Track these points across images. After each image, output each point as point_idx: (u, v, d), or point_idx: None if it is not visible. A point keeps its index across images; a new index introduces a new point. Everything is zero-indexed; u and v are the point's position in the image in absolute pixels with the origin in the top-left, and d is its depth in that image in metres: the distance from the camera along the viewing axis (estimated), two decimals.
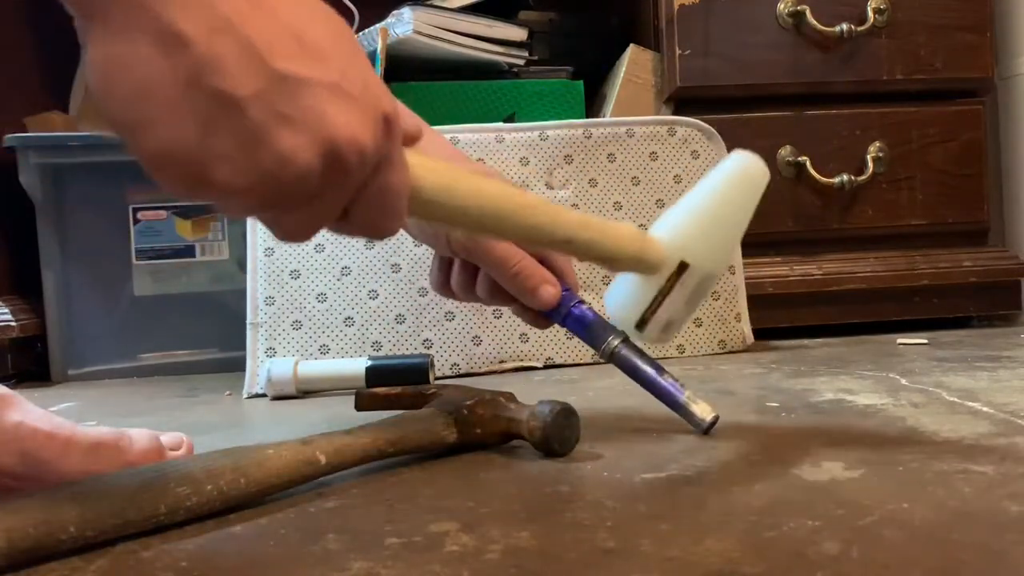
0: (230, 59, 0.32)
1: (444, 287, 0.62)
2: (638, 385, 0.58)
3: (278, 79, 0.33)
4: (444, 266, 0.61)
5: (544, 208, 0.48)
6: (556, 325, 0.60)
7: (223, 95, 0.32)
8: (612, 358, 0.58)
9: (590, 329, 0.58)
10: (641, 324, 0.55)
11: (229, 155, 0.33)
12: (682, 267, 0.53)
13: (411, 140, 0.42)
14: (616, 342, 0.57)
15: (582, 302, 0.59)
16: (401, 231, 0.46)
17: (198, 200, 0.35)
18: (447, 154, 0.58)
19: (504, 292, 0.59)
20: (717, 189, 0.54)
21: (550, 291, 0.57)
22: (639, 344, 0.58)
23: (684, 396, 0.56)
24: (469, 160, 0.64)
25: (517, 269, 0.57)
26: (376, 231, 0.40)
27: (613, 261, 0.52)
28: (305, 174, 0.34)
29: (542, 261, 0.58)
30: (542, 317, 0.59)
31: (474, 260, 0.58)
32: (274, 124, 0.33)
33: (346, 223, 0.39)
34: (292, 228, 0.37)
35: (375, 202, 0.39)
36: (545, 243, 0.50)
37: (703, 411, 0.55)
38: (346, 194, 0.37)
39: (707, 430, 0.55)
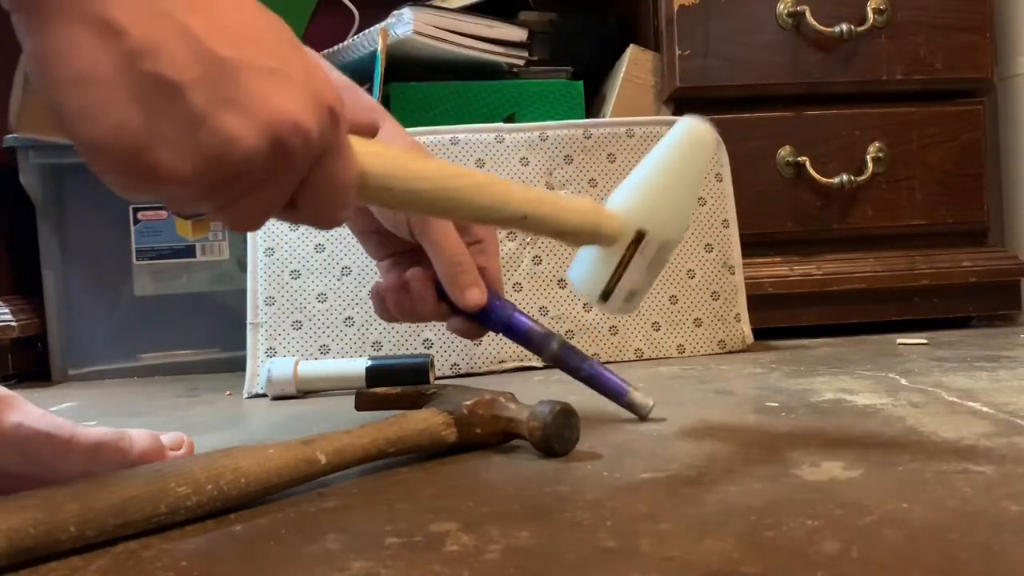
0: (169, 45, 0.32)
1: (384, 311, 0.61)
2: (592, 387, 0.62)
3: (218, 62, 0.33)
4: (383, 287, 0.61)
5: (497, 186, 0.48)
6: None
7: (163, 80, 0.32)
8: (556, 361, 0.61)
9: (530, 336, 0.60)
10: (605, 296, 0.55)
11: (173, 140, 0.32)
12: (639, 236, 0.53)
13: (366, 132, 0.42)
14: (556, 345, 0.60)
15: (516, 309, 0.60)
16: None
17: (142, 194, 0.34)
18: (405, 145, 0.57)
19: (436, 305, 0.59)
20: (665, 157, 0.55)
21: (476, 295, 0.58)
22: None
23: (628, 388, 0.61)
24: (427, 152, 0.63)
25: (458, 260, 0.57)
26: (323, 220, 0.40)
27: (569, 235, 0.52)
28: (250, 157, 0.34)
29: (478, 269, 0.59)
30: (475, 327, 0.60)
31: (423, 242, 0.58)
32: (217, 107, 0.33)
33: (293, 211, 0.39)
34: (240, 217, 0.37)
35: (322, 191, 0.39)
36: (499, 221, 0.50)
37: (643, 399, 0.61)
38: (292, 181, 0.37)
39: (646, 416, 0.61)
